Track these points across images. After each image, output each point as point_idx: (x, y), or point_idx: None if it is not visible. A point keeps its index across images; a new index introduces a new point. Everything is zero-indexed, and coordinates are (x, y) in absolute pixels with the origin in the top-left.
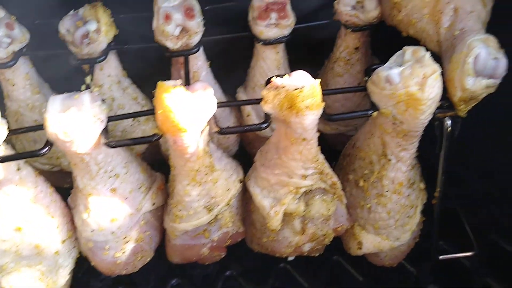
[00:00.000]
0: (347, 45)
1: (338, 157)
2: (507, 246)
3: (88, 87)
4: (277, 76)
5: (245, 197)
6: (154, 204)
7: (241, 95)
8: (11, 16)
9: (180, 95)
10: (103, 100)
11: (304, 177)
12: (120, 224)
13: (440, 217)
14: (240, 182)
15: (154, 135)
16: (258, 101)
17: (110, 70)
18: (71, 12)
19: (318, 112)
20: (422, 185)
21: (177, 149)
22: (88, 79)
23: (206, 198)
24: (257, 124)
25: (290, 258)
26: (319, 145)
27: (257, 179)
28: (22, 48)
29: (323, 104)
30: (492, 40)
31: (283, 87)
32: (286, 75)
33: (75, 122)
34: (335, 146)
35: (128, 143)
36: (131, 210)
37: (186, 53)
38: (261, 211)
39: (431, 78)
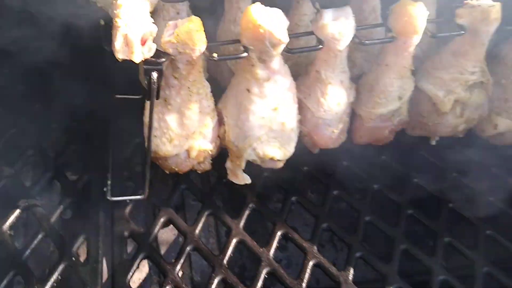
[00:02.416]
0: None
1: None
2: None
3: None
4: None
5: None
6: (353, 98)
7: None
8: None
9: (422, 8)
10: None
11: (473, 73)
12: (341, 108)
13: None
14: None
15: (392, 36)
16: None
17: None
18: None
19: (499, 23)
20: None
21: (402, 48)
22: None
23: (400, 90)
24: None
25: (433, 142)
26: None
27: (429, 79)
28: None
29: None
30: None
31: (479, 6)
32: None
33: (345, 27)
34: None
35: (375, 43)
36: (347, 99)
37: None
38: (435, 100)
39: None
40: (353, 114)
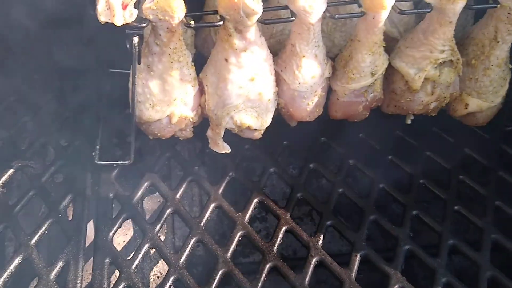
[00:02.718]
0: None
1: None
2: None
3: None
4: None
5: (385, 74)
6: (329, 73)
7: None
8: None
9: None
10: None
11: (442, 52)
12: (316, 81)
13: None
14: (388, 60)
15: (362, 12)
16: None
17: None
18: None
19: (465, 2)
20: (510, 65)
21: (372, 24)
22: None
23: (372, 66)
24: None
25: (409, 121)
26: None
27: (401, 57)
28: None
29: None
30: None
31: None
32: None
33: (315, 1)
34: None
35: (346, 16)
36: (321, 73)
37: None
38: (406, 78)
39: None
40: (330, 90)
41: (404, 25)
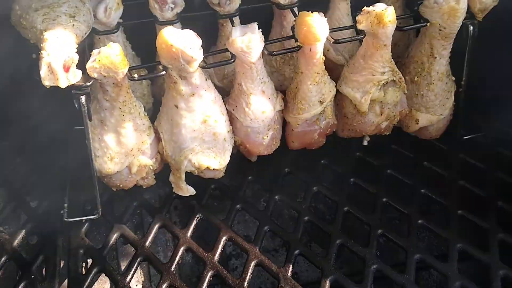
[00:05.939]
0: None
1: None
2: None
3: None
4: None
5: (336, 100)
6: (280, 106)
7: None
8: None
9: (318, 17)
10: None
11: (383, 73)
12: (267, 115)
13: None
14: (335, 87)
15: (298, 46)
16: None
17: None
18: None
19: (394, 25)
20: (452, 78)
21: (310, 56)
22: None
23: (319, 95)
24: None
25: (365, 143)
26: None
27: (347, 83)
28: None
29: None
30: None
31: (373, 11)
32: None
33: (251, 41)
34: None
35: (283, 52)
36: (271, 107)
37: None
38: (354, 102)
39: None
40: (285, 122)
41: (349, 51)
